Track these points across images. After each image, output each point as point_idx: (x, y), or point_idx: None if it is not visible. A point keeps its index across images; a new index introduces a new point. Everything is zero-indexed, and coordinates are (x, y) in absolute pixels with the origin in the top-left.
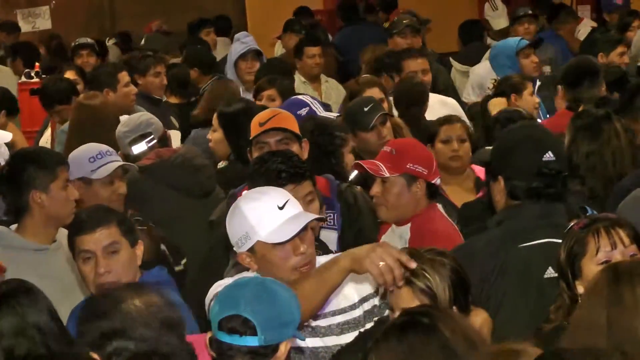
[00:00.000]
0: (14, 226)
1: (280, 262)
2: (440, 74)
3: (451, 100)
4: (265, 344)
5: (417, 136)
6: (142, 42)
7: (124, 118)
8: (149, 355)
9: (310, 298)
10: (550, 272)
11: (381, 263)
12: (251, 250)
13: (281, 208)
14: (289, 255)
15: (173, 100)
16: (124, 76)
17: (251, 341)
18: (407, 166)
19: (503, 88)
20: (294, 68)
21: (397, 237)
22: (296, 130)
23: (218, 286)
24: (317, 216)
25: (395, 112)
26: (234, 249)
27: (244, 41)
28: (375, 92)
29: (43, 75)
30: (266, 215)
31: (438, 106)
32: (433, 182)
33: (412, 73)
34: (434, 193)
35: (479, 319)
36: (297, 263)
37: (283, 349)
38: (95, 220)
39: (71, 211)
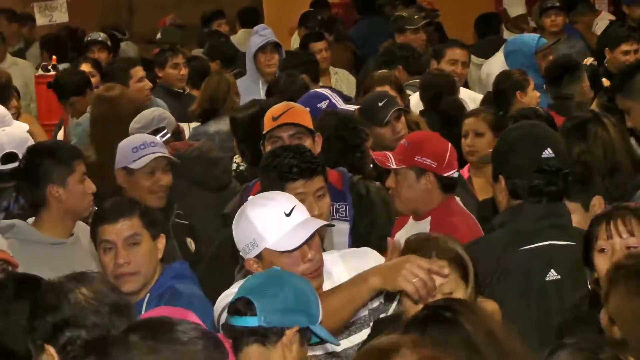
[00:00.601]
0: (31, 220)
1: (289, 269)
2: None
3: (480, 97)
4: (266, 325)
5: (446, 130)
6: (158, 36)
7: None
8: (101, 340)
9: (336, 314)
10: (553, 275)
11: (414, 280)
12: (259, 256)
13: (288, 215)
14: (297, 262)
15: (195, 93)
16: (137, 71)
17: (251, 321)
18: (416, 159)
19: (504, 86)
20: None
21: (416, 232)
22: (309, 124)
23: (225, 297)
24: (325, 222)
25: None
26: (241, 254)
27: (262, 34)
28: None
29: (60, 69)
30: (273, 222)
31: (468, 102)
32: (447, 175)
33: (452, 61)
34: (448, 186)
35: (489, 307)
36: (305, 270)
37: (290, 334)
38: (118, 211)
39: (88, 205)
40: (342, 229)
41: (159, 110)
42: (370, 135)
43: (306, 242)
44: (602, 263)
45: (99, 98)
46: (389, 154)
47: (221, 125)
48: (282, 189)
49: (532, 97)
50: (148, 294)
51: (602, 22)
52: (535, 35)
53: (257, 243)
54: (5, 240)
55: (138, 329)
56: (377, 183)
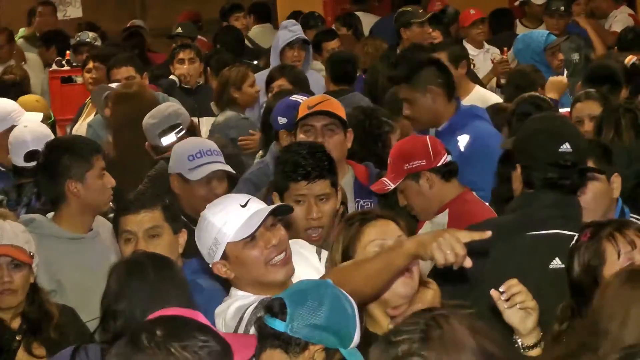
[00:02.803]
0: (50, 214)
1: (255, 259)
2: None
3: (496, 99)
4: (291, 333)
5: None
6: (179, 30)
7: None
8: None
9: (374, 278)
10: (557, 263)
11: (448, 252)
12: (224, 256)
13: (244, 206)
14: (261, 251)
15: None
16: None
17: (279, 325)
18: (405, 167)
19: (519, 81)
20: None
21: (436, 227)
22: (344, 117)
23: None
24: (280, 204)
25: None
26: (209, 262)
27: (292, 29)
28: None
29: (74, 64)
30: (230, 215)
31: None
32: (440, 164)
33: None
34: (447, 173)
35: (431, 292)
36: (269, 255)
37: (313, 350)
38: (140, 202)
39: (108, 199)
40: None
41: (174, 106)
42: (399, 126)
43: (263, 224)
44: None
45: (118, 96)
46: (383, 179)
47: (228, 113)
48: (286, 186)
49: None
50: None
51: (620, 15)
52: (545, 32)
53: (218, 241)
54: (29, 235)
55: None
56: None
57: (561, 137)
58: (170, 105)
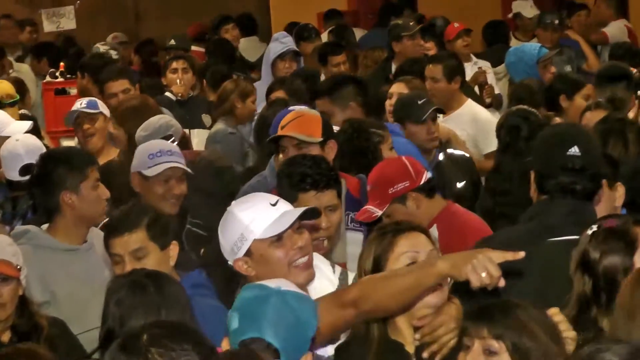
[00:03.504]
0: (45, 226)
1: (279, 259)
2: None
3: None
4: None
5: None
6: (172, 42)
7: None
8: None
9: (402, 294)
10: None
11: (484, 274)
12: (248, 253)
13: (274, 205)
14: (287, 251)
15: (212, 97)
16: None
17: None
18: (390, 192)
19: (522, 95)
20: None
21: None
22: (316, 133)
23: None
24: (310, 207)
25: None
26: (229, 258)
27: (282, 41)
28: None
29: (68, 76)
30: (260, 213)
31: (467, 119)
32: (423, 182)
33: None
34: (431, 190)
35: (454, 306)
36: (293, 257)
37: None
38: (124, 224)
39: (102, 211)
40: (357, 238)
41: (165, 118)
42: (405, 133)
43: (293, 225)
44: None
45: (124, 112)
46: (368, 207)
47: (219, 125)
48: (294, 198)
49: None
50: None
51: (618, 22)
52: (537, 45)
53: (245, 237)
54: (16, 247)
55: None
56: None
57: (570, 141)
58: (162, 117)
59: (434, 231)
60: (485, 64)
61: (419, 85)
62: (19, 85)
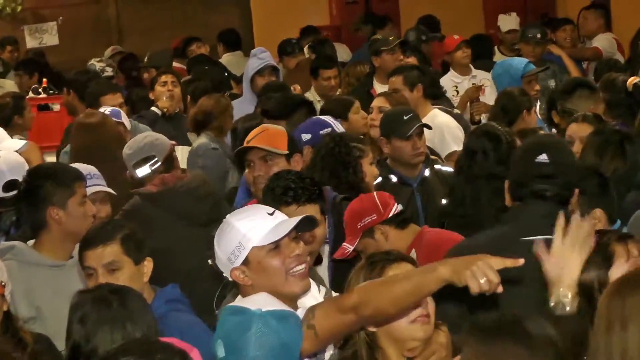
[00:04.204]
0: (31, 242)
1: (277, 267)
2: None
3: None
4: None
5: None
6: (146, 59)
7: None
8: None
9: (402, 299)
10: None
11: (482, 280)
12: (245, 262)
13: (271, 214)
14: (284, 259)
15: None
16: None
17: None
18: (359, 226)
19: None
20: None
21: None
22: (281, 147)
23: None
24: (307, 215)
25: None
26: (225, 269)
27: (260, 57)
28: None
29: (50, 92)
30: (258, 221)
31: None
32: (391, 215)
33: None
34: (402, 222)
35: (442, 334)
36: (290, 264)
37: None
38: (98, 237)
39: (89, 226)
40: (322, 249)
41: (151, 137)
42: (389, 147)
43: (290, 233)
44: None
45: (79, 126)
46: (344, 244)
47: (202, 139)
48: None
49: (534, 117)
50: None
51: (605, 35)
52: (524, 60)
53: (243, 245)
54: (1, 263)
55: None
56: None
57: (539, 149)
58: (147, 136)
59: (413, 254)
60: (485, 75)
61: (401, 100)
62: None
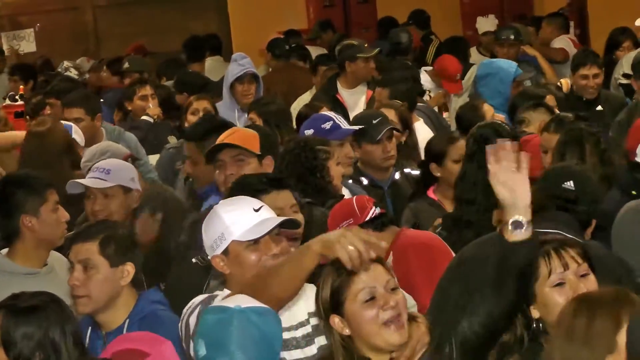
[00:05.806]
0: (4, 250)
1: (252, 262)
2: None
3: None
4: None
5: None
6: (125, 65)
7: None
8: None
9: (288, 282)
10: None
11: (351, 247)
12: (225, 252)
13: (257, 210)
14: (261, 256)
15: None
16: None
17: None
18: None
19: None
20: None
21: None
22: (253, 147)
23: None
24: (291, 217)
25: None
26: (209, 253)
27: (240, 63)
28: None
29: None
30: (242, 216)
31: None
32: (368, 218)
33: None
34: (379, 224)
35: (422, 325)
36: (266, 262)
37: None
38: (83, 233)
39: (62, 233)
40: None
41: (103, 145)
42: (360, 151)
43: (271, 232)
44: (559, 297)
45: (29, 133)
46: None
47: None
48: None
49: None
50: (128, 320)
51: (562, 37)
52: (514, 64)
53: (224, 237)
54: None
55: None
56: (322, 209)
57: (568, 176)
58: (99, 145)
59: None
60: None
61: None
62: None
